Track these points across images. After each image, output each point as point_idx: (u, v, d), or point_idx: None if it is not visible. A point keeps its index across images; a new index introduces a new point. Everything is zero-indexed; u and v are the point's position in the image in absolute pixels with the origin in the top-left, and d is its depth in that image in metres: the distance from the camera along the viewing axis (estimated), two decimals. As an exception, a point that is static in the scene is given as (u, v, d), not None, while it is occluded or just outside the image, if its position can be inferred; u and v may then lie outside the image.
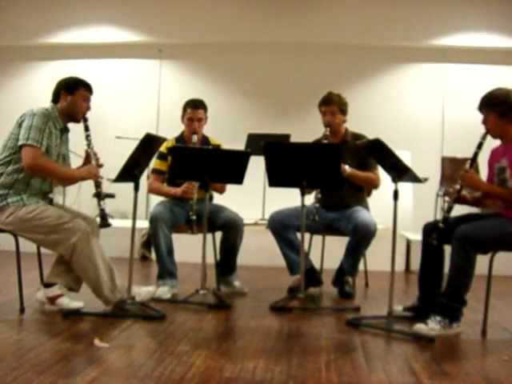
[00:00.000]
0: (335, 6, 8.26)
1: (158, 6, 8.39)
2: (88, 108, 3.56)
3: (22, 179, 3.30)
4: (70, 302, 3.36)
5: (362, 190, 4.27)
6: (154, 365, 2.43)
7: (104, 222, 3.38)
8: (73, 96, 3.47)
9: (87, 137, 3.52)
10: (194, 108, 4.17)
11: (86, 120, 3.54)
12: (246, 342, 2.89)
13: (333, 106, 4.14)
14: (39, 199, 3.36)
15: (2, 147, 3.36)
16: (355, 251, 4.06)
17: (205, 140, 4.28)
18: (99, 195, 3.45)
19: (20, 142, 3.24)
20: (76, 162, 3.67)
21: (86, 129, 3.53)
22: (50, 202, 3.49)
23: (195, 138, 4.09)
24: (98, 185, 3.47)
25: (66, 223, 3.25)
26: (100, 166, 3.52)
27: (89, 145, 3.52)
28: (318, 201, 4.00)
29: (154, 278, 4.14)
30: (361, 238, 3.98)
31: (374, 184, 4.23)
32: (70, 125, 3.60)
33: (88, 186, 7.45)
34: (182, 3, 8.44)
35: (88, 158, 3.54)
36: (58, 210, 3.36)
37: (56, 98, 3.52)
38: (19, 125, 3.31)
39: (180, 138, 4.28)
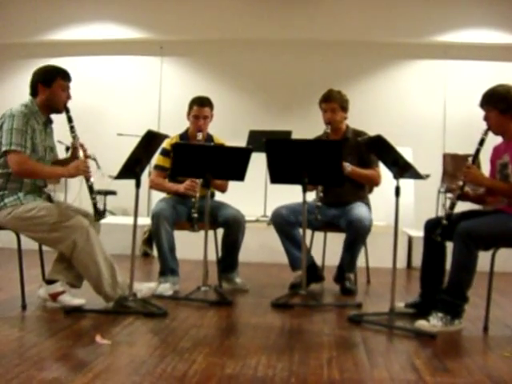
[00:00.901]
0: (337, 3, 8.26)
1: (158, 3, 8.39)
2: (68, 97, 3.45)
3: (13, 179, 3.27)
4: (71, 299, 3.36)
5: (362, 187, 4.26)
6: (156, 362, 2.43)
7: (98, 216, 3.34)
8: (51, 88, 3.36)
9: (71, 128, 3.42)
10: (200, 106, 4.16)
11: (68, 110, 3.43)
12: (248, 339, 2.90)
13: (333, 103, 4.13)
14: (36, 197, 3.34)
15: None
16: (351, 247, 4.06)
17: (209, 138, 4.27)
18: (90, 189, 3.38)
19: (4, 148, 3.18)
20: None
21: (70, 120, 3.43)
22: (48, 198, 3.48)
23: (200, 135, 4.08)
24: (88, 178, 3.38)
25: (66, 221, 3.24)
26: (88, 157, 3.44)
27: (74, 137, 3.42)
28: (320, 199, 4.00)
29: (155, 275, 4.14)
30: (355, 233, 3.98)
31: (374, 181, 4.22)
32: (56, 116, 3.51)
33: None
34: (183, 0, 8.44)
35: (75, 151, 3.44)
36: (58, 208, 3.34)
37: (34, 91, 3.40)
38: (0, 127, 3.24)
39: (184, 135, 4.28)
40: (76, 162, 3.37)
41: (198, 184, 3.98)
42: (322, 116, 4.19)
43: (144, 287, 3.71)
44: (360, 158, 4.11)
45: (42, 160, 3.35)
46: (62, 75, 3.42)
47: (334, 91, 4.17)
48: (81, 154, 3.41)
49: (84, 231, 3.24)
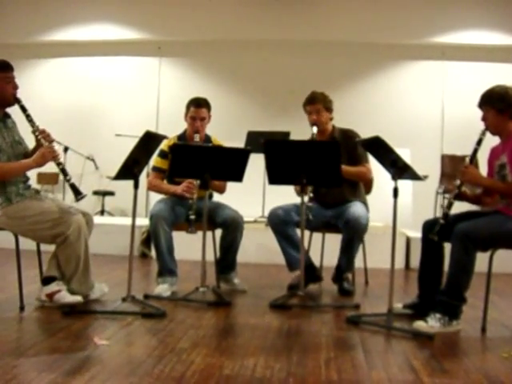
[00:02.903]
0: (335, 4, 8.26)
1: (157, 4, 8.40)
2: (15, 87, 3.38)
3: None
4: (68, 296, 3.36)
5: (357, 185, 4.27)
6: (154, 362, 2.43)
7: (78, 196, 3.34)
8: None
9: (27, 117, 3.35)
10: (197, 107, 4.16)
11: (19, 101, 3.36)
12: (246, 340, 2.89)
13: (317, 104, 4.15)
14: (26, 194, 3.36)
15: None
16: (349, 246, 4.06)
17: (207, 139, 4.27)
18: (63, 172, 3.36)
19: None
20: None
21: (23, 109, 3.36)
22: (37, 192, 3.50)
23: (197, 136, 4.09)
24: (58, 163, 3.36)
25: (65, 217, 3.27)
26: (52, 141, 3.37)
27: (33, 125, 3.36)
28: (311, 200, 3.99)
29: (153, 276, 4.14)
30: (352, 232, 3.98)
31: (366, 177, 4.23)
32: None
33: (88, 182, 7.47)
34: (182, 1, 8.44)
35: (38, 138, 3.39)
36: (52, 205, 3.37)
37: None
38: None
39: (182, 137, 4.28)
40: (41, 150, 3.32)
41: (195, 185, 3.98)
42: (308, 118, 4.21)
43: (96, 287, 3.64)
44: (349, 156, 4.10)
45: (12, 156, 3.34)
46: (1, 68, 3.35)
47: (317, 93, 4.20)
48: (43, 142, 3.35)
49: (77, 228, 3.29)
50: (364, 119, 7.16)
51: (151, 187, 4.30)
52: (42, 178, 7.69)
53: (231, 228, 4.04)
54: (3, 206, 3.25)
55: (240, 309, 3.74)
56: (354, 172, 4.11)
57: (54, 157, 3.34)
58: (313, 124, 4.14)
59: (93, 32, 8.51)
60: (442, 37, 8.13)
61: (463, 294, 3.09)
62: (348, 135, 4.16)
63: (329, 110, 4.21)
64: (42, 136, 3.36)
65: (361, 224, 3.95)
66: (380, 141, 3.23)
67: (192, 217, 3.89)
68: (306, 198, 3.95)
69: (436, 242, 3.33)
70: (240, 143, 5.80)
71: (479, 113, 3.32)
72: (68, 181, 3.36)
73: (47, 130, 3.41)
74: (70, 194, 6.87)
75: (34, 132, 3.39)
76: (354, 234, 3.99)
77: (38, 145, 3.42)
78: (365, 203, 4.25)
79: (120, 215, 8.20)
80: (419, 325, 3.07)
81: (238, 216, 4.08)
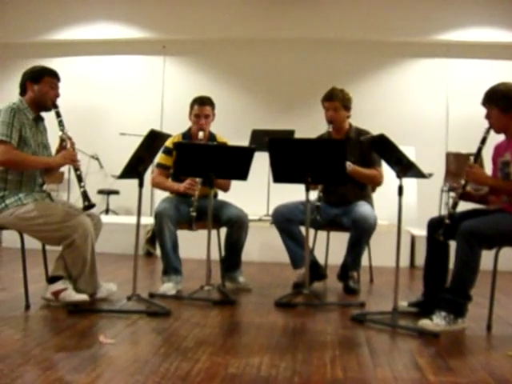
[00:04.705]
0: (339, 2, 8.26)
1: (161, 3, 8.41)
2: (57, 95, 3.49)
3: (12, 179, 3.31)
4: (74, 294, 3.37)
5: (365, 187, 4.25)
6: (160, 361, 2.44)
7: (88, 204, 3.35)
8: (39, 85, 3.42)
9: (60, 122, 3.47)
10: (201, 105, 4.17)
11: (56, 107, 3.47)
12: (251, 338, 2.90)
13: (336, 101, 4.11)
14: (37, 197, 3.37)
15: None
16: (356, 245, 4.05)
17: (211, 137, 4.28)
18: (79, 178, 3.42)
19: None
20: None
21: (58, 115, 3.47)
22: (49, 196, 3.52)
23: (201, 134, 4.10)
24: (76, 168, 3.44)
25: (68, 220, 3.27)
26: (74, 146, 3.48)
27: (63, 130, 3.47)
28: (320, 199, 3.98)
29: (158, 274, 4.15)
30: (360, 231, 3.97)
31: (376, 181, 4.20)
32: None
33: (93, 182, 7.47)
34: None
35: (63, 143, 3.49)
36: (61, 207, 3.38)
37: (23, 89, 3.46)
38: None
39: (187, 134, 4.28)
40: (63, 152, 3.44)
41: (197, 183, 3.98)
42: (324, 114, 4.17)
43: (103, 287, 3.66)
44: (362, 157, 4.09)
45: (35, 155, 3.38)
46: (50, 73, 3.48)
47: (336, 89, 4.14)
48: (68, 145, 3.45)
49: (84, 231, 3.29)
50: (368, 117, 7.13)
51: (155, 184, 4.31)
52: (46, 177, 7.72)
53: (236, 226, 4.04)
54: (13, 206, 3.27)
55: (245, 307, 3.74)
56: (365, 174, 4.09)
57: (74, 161, 3.42)
58: (329, 121, 4.12)
59: (97, 31, 8.53)
60: (445, 34, 8.11)
61: (468, 292, 3.08)
62: (364, 136, 4.10)
63: (347, 108, 4.16)
64: (70, 142, 3.46)
65: (369, 224, 3.94)
66: (384, 139, 3.23)
67: (193, 214, 3.90)
68: (315, 197, 3.96)
69: (441, 241, 3.32)
70: (245, 141, 5.80)
71: (484, 110, 3.31)
72: (82, 187, 3.38)
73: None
74: (74, 194, 6.90)
75: (61, 137, 3.47)
76: (362, 234, 3.98)
77: (61, 148, 3.49)
78: (371, 203, 4.23)
79: (125, 214, 8.21)
80: (424, 323, 3.07)
81: (242, 214, 4.08)
